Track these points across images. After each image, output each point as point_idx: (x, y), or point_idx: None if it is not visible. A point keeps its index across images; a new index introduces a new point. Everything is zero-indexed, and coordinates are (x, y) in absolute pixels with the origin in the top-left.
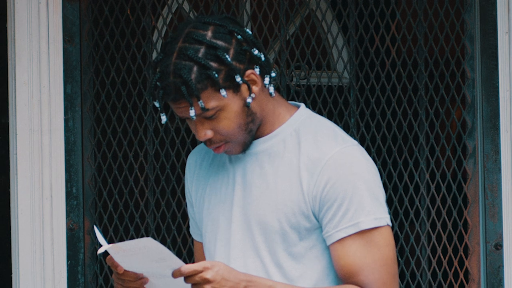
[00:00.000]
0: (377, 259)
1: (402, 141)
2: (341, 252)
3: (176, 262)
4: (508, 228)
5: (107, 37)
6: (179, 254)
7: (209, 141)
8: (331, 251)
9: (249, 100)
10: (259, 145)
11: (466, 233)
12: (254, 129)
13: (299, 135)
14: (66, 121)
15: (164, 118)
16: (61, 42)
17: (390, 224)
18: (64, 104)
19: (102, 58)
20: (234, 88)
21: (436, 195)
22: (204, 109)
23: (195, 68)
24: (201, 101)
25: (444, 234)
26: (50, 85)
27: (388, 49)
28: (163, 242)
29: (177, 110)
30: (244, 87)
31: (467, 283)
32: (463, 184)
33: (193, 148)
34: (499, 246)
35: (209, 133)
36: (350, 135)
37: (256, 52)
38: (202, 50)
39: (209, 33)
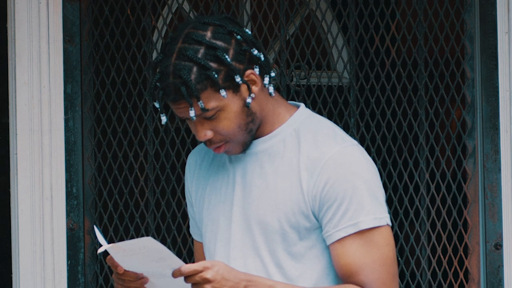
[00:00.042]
0: (376, 258)
1: (402, 141)
2: (341, 251)
3: (176, 262)
4: (508, 228)
5: (107, 37)
6: (179, 254)
7: (209, 141)
8: (331, 251)
9: (248, 100)
10: (259, 145)
11: (466, 233)
12: (254, 129)
13: (299, 135)
14: (66, 121)
15: (164, 119)
16: (61, 42)
17: (390, 223)
18: (64, 104)
19: (102, 58)
20: (234, 88)
21: (436, 195)
22: (204, 110)
23: (194, 69)
24: (201, 101)
25: (444, 234)
26: (50, 85)
27: (388, 49)
28: (163, 242)
29: (177, 110)
30: (243, 87)
31: (467, 283)
32: (463, 184)
33: (193, 148)
34: (499, 246)
35: (209, 134)
36: (350, 135)
37: (255, 52)
38: (202, 50)
39: (209, 34)
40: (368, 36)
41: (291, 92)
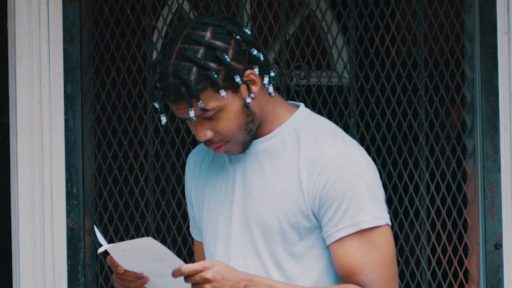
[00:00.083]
0: (376, 258)
1: (401, 141)
2: (341, 251)
3: (176, 262)
4: (508, 228)
5: (108, 37)
6: (179, 254)
7: (209, 141)
8: (330, 251)
9: (248, 100)
10: (259, 145)
11: (465, 232)
12: (253, 129)
13: (299, 135)
14: (66, 121)
15: (164, 119)
16: (62, 42)
17: (390, 223)
18: (65, 104)
19: (102, 58)
20: (234, 88)
21: (435, 195)
22: (203, 110)
23: (194, 69)
24: (200, 101)
25: (444, 234)
26: (51, 85)
27: (387, 49)
28: (163, 241)
29: (177, 111)
30: (243, 87)
31: (466, 283)
32: (462, 184)
33: (193, 148)
34: (498, 246)
35: (209, 134)
36: (350, 135)
37: (255, 52)
38: (201, 51)
39: (208, 34)
40: (368, 36)
41: (291, 92)
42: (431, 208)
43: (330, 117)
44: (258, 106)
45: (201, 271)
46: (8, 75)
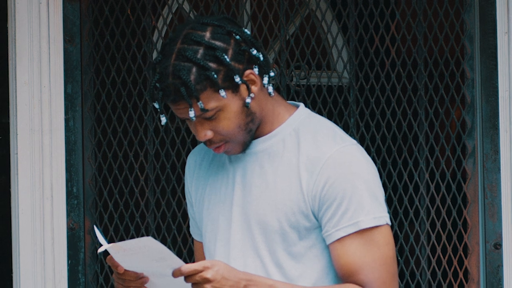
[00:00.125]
0: (376, 258)
1: (401, 141)
2: (341, 251)
3: (176, 262)
4: (508, 228)
5: (108, 37)
6: (179, 254)
7: (209, 141)
8: (330, 251)
9: (248, 100)
10: (259, 144)
11: (465, 232)
12: (253, 128)
13: (299, 135)
14: (66, 121)
15: (163, 119)
16: (62, 42)
17: (390, 223)
18: (65, 104)
19: (102, 58)
20: (233, 88)
21: (435, 195)
22: (203, 110)
23: (194, 69)
24: (200, 102)
25: (444, 234)
26: (51, 85)
27: (387, 49)
28: (164, 241)
29: (176, 111)
30: (243, 87)
31: (466, 283)
32: (462, 183)
33: (193, 148)
34: (498, 246)
35: (209, 134)
36: (350, 135)
37: (254, 52)
38: (201, 51)
39: (208, 34)
40: (367, 36)
41: (291, 92)
42: (431, 208)
43: (330, 117)
44: (258, 106)
45: (201, 271)
46: (8, 75)
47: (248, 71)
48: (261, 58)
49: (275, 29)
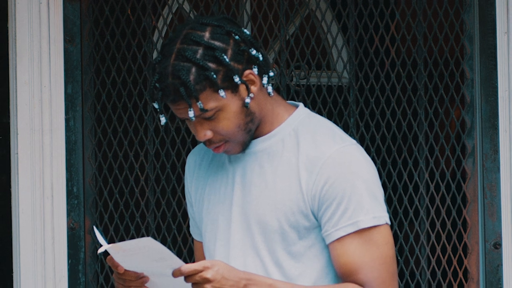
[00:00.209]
0: (376, 257)
1: (401, 140)
2: (340, 250)
3: (176, 262)
4: (507, 227)
5: (108, 37)
6: (179, 253)
7: (209, 141)
8: (330, 250)
9: (247, 100)
10: (258, 144)
11: (465, 232)
12: (253, 128)
13: (298, 135)
14: (67, 120)
15: (163, 119)
16: (62, 42)
17: (389, 222)
18: (65, 104)
19: (102, 58)
20: (233, 88)
21: (435, 195)
22: (203, 110)
23: (193, 69)
24: (200, 102)
25: (443, 233)
26: (51, 85)
27: (387, 49)
28: (164, 241)
29: (176, 111)
30: (242, 87)
31: (466, 282)
32: (462, 183)
33: (193, 148)
34: (498, 245)
35: (208, 134)
36: (350, 135)
37: (254, 52)
38: (200, 51)
39: (207, 34)
40: (367, 36)
41: (291, 92)
42: (430, 208)
43: (329, 117)
44: (257, 106)
45: (201, 271)
46: (8, 75)
47: (247, 71)
48: (261, 58)
49: (275, 29)
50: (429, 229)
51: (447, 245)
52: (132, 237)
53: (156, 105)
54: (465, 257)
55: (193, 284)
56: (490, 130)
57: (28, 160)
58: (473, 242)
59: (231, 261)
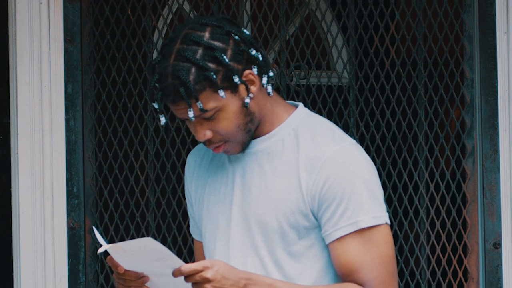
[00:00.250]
0: (376, 257)
1: (401, 140)
2: (340, 250)
3: (176, 262)
4: (507, 227)
5: (108, 37)
6: (179, 253)
7: (208, 141)
8: (330, 250)
9: (247, 100)
10: (258, 144)
11: (465, 232)
12: (252, 128)
13: (298, 135)
14: (67, 120)
15: (163, 120)
16: (62, 42)
17: (389, 222)
18: (65, 104)
19: (103, 58)
20: (232, 88)
21: (435, 194)
22: (203, 110)
23: (193, 70)
24: (199, 102)
25: (443, 233)
26: (51, 85)
27: (387, 49)
28: (164, 241)
29: (176, 111)
30: (242, 87)
31: (466, 282)
32: (462, 183)
33: (193, 148)
34: (497, 245)
35: (208, 134)
36: (350, 135)
37: (253, 52)
38: (200, 51)
39: (207, 34)
40: (367, 36)
41: (291, 92)
42: (430, 208)
43: (329, 117)
44: (257, 106)
45: (201, 271)
46: (9, 75)
47: (247, 71)
48: (260, 58)
49: (275, 29)
50: (429, 229)
51: (447, 245)
52: (132, 237)
53: (156, 105)
54: (465, 257)
55: (193, 284)
56: (490, 130)
57: (28, 160)
58: (473, 242)
59: (231, 261)
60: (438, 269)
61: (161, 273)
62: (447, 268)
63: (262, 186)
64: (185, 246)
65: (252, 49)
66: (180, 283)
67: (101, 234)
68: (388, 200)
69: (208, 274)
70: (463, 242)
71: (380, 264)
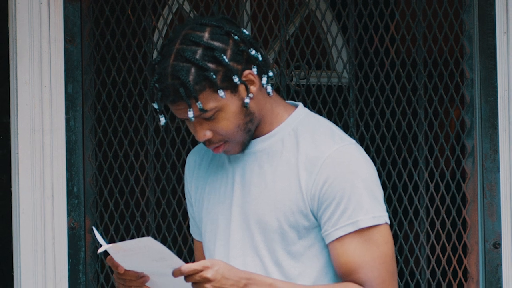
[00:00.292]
0: (376, 257)
1: (401, 140)
2: (340, 250)
3: (176, 262)
4: (507, 227)
5: (108, 37)
6: (179, 253)
7: (208, 141)
8: (330, 250)
9: (247, 100)
10: (258, 144)
11: (465, 232)
12: (252, 128)
13: (297, 134)
14: (67, 120)
15: (163, 120)
16: (62, 42)
17: (389, 222)
18: (65, 104)
19: (103, 58)
20: (232, 88)
21: (435, 194)
22: (202, 110)
23: (192, 70)
24: (199, 102)
25: (443, 233)
26: (52, 85)
27: (387, 49)
28: (164, 241)
29: (176, 111)
30: (242, 88)
31: (465, 282)
32: (462, 183)
33: (193, 148)
34: (497, 245)
35: (208, 134)
36: (350, 135)
37: (253, 52)
38: (200, 51)
39: (206, 35)
40: (367, 36)
41: (291, 92)
42: (430, 208)
43: (329, 117)
44: (257, 106)
45: (201, 271)
46: (9, 75)
47: (246, 71)
48: (260, 58)
49: (275, 29)
50: (429, 228)
51: (446, 245)
52: (133, 237)
53: (156, 106)
54: (465, 256)
55: (193, 283)
56: (490, 130)
57: (29, 160)
58: (473, 242)
59: (231, 260)
60: (438, 269)
61: (161, 273)
62: (447, 268)
63: (262, 186)
64: (185, 246)
65: (251, 49)
66: (180, 283)
67: (101, 234)
68: (388, 200)
69: (208, 274)
70: (462, 242)
71: (380, 264)
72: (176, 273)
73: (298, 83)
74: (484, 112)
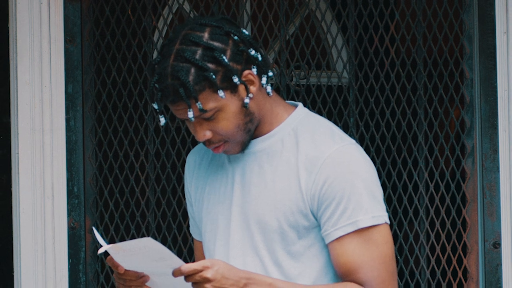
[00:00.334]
0: (375, 257)
1: (401, 140)
2: (340, 250)
3: (176, 262)
4: (506, 227)
5: (108, 37)
6: (179, 253)
7: (208, 141)
8: (329, 250)
9: (246, 100)
10: (258, 144)
11: (464, 231)
12: (252, 128)
13: (297, 134)
14: (67, 120)
15: (162, 120)
16: (63, 42)
17: (388, 222)
18: (66, 104)
19: (103, 58)
20: (232, 88)
21: (435, 194)
22: (202, 111)
23: (192, 70)
24: (199, 102)
25: (443, 233)
26: (52, 85)
27: (387, 49)
28: (164, 241)
29: (176, 112)
30: (241, 88)
31: (465, 282)
32: (461, 183)
33: (193, 148)
34: (497, 245)
35: (208, 134)
36: (349, 135)
37: (253, 52)
38: (199, 51)
39: (206, 35)
40: (367, 36)
41: (291, 92)
42: (430, 207)
43: (329, 117)
44: (257, 106)
45: (201, 271)
46: (9, 75)
47: (246, 71)
48: (260, 58)
49: (275, 29)
50: (429, 228)
51: (446, 245)
52: (133, 237)
53: (156, 106)
54: (465, 256)
55: (193, 283)
56: (490, 130)
57: (29, 160)
58: (473, 242)
59: (231, 260)
60: (438, 268)
61: (161, 273)
62: (446, 268)
63: (262, 186)
64: (185, 246)
65: (251, 49)
66: (180, 283)
67: (101, 234)
68: (387, 200)
69: (208, 273)
70: (462, 242)
71: (380, 264)
72: (176, 273)
73: (298, 83)
74: (484, 112)
